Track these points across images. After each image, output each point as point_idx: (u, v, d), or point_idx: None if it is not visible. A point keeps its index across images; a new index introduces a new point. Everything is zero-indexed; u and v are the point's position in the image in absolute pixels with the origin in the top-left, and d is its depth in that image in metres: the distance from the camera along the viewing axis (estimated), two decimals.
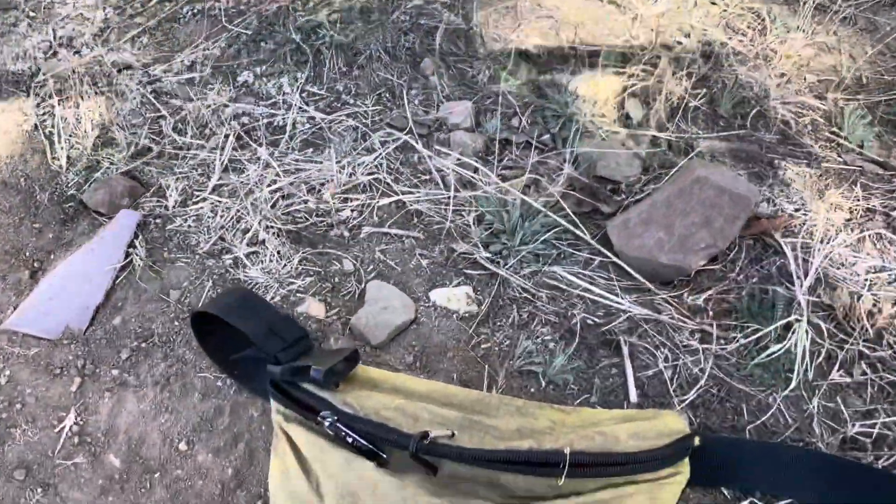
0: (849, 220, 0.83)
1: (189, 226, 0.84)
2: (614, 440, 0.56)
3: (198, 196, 0.86)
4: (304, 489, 0.57)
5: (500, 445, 0.55)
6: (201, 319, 0.68)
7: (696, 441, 0.57)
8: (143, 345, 0.75)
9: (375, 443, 0.58)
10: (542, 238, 0.80)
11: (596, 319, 0.75)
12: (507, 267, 0.79)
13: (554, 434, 0.57)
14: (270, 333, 0.64)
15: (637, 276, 0.78)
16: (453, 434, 0.56)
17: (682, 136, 0.93)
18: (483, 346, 0.74)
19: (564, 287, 0.78)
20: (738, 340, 0.72)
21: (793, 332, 0.70)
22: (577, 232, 0.81)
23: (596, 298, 0.77)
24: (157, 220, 0.84)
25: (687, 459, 0.58)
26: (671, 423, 0.58)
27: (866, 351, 0.71)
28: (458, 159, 0.88)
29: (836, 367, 0.71)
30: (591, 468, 0.54)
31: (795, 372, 0.68)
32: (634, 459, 0.55)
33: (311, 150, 0.92)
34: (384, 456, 0.58)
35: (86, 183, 0.87)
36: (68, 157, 0.90)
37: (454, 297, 0.77)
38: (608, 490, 0.55)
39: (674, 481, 0.57)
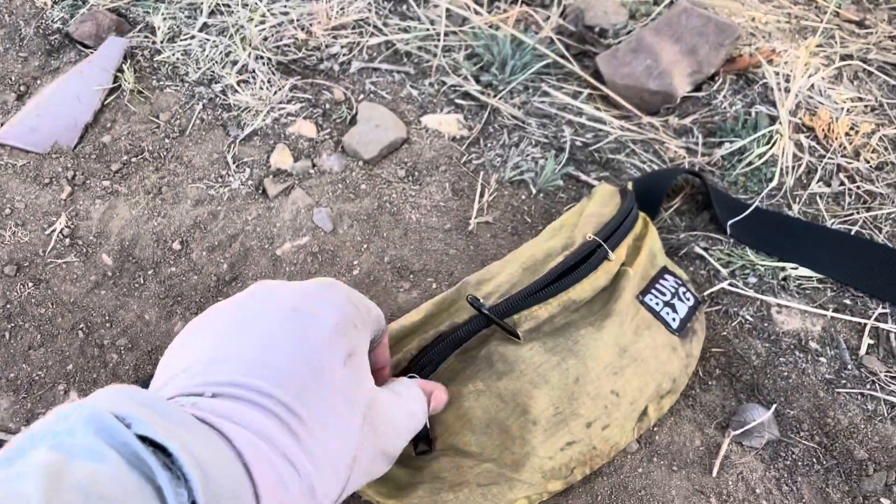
0: (827, 63, 0.86)
1: (177, 57, 0.83)
2: (599, 215, 0.59)
3: (186, 34, 0.86)
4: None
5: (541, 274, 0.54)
6: None
7: (630, 187, 0.65)
8: (134, 160, 0.74)
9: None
10: (533, 70, 0.81)
11: (585, 140, 0.77)
12: (497, 97, 0.80)
13: (571, 238, 0.58)
14: None
15: (625, 104, 0.79)
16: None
17: None
18: (475, 161, 0.75)
19: (554, 113, 0.79)
20: (722, 154, 0.74)
21: (775, 143, 0.72)
22: (567, 65, 0.82)
23: (584, 122, 0.78)
24: (145, 52, 0.83)
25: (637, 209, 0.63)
26: (607, 188, 0.64)
27: (844, 164, 0.74)
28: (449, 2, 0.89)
29: (816, 179, 0.73)
30: (613, 237, 0.57)
31: (777, 173, 0.70)
32: (622, 216, 0.59)
33: None
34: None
35: (71, 18, 0.86)
36: None
37: (445, 122, 0.78)
38: (641, 255, 0.58)
39: (649, 226, 0.62)
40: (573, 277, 0.53)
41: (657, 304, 0.56)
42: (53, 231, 0.69)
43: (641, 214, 0.63)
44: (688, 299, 0.58)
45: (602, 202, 0.62)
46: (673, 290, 0.58)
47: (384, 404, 0.35)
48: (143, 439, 0.24)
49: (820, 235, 0.67)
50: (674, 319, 0.56)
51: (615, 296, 0.54)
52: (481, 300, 0.51)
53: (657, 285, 0.57)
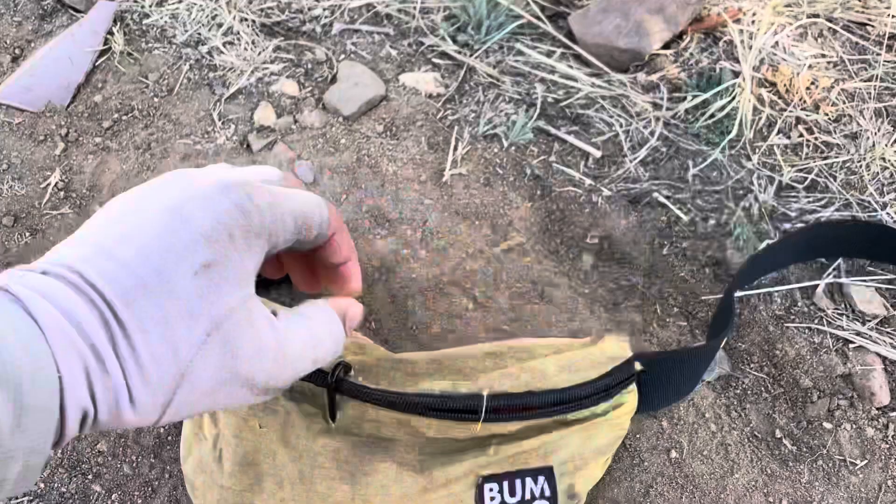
0: (793, 22, 0.89)
1: (165, 21, 0.86)
2: (541, 375, 0.46)
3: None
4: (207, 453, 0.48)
5: (408, 387, 0.46)
6: None
7: (638, 366, 0.47)
8: (125, 117, 0.78)
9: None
10: (508, 30, 0.85)
11: (556, 97, 0.80)
12: (473, 56, 0.83)
13: (474, 374, 0.48)
14: None
15: (596, 62, 0.83)
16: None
17: None
18: (450, 117, 0.78)
19: (528, 71, 0.82)
20: (685, 108, 0.77)
21: (735, 97, 0.76)
22: (541, 25, 0.85)
23: (557, 79, 0.81)
24: (134, 16, 0.87)
25: (634, 387, 0.48)
26: (610, 349, 0.48)
27: (803, 116, 0.77)
28: None
29: (776, 131, 0.77)
30: (512, 412, 0.45)
31: (737, 124, 0.74)
32: (561, 399, 0.45)
33: None
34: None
35: None
36: None
37: (423, 80, 0.81)
38: (535, 438, 0.46)
39: (613, 416, 0.47)
40: (429, 414, 0.45)
41: (492, 497, 0.46)
42: (48, 184, 0.73)
43: (627, 400, 0.47)
44: None
45: (580, 367, 0.46)
46: (527, 499, 0.46)
47: (259, 327, 0.31)
48: None
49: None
50: None
51: (454, 458, 0.46)
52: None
53: (518, 479, 0.46)
